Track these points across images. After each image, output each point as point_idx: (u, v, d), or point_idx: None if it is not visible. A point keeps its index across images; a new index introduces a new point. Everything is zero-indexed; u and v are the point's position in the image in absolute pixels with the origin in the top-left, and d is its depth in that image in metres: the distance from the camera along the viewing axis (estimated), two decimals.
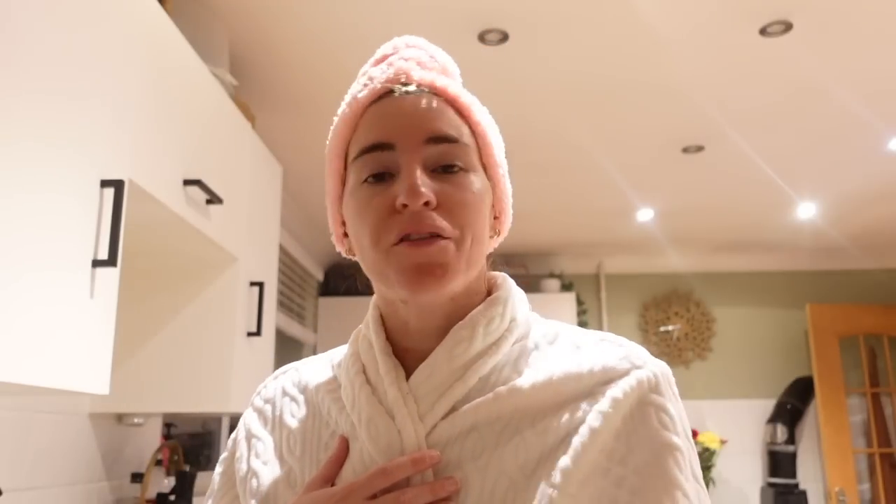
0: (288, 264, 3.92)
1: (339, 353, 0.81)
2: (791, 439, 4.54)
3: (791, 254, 4.94)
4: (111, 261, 1.24)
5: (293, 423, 0.77)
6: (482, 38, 2.25)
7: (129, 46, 1.40)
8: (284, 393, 0.80)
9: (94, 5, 1.28)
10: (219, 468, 0.82)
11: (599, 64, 2.43)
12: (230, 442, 0.82)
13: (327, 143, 0.76)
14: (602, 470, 0.63)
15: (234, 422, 3.36)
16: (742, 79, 2.54)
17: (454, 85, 0.73)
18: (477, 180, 0.71)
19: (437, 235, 0.66)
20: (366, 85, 0.73)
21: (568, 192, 3.72)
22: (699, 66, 2.46)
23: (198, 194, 1.70)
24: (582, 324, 4.89)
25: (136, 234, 1.71)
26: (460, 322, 0.71)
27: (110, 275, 1.29)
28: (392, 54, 0.76)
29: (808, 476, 4.66)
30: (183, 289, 2.01)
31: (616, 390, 0.65)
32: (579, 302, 4.92)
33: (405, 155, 0.68)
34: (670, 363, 4.85)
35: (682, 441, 0.65)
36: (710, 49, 2.34)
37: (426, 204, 0.66)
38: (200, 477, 2.71)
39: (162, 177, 1.52)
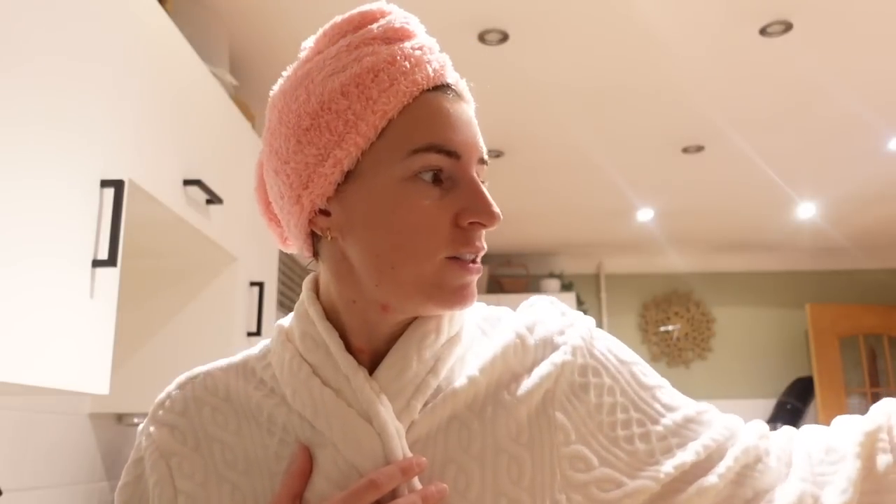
0: (288, 264, 3.92)
1: (250, 356, 0.75)
2: None
3: (791, 254, 4.94)
4: (111, 261, 1.24)
5: (224, 434, 0.69)
6: (482, 38, 2.25)
7: (129, 46, 1.40)
8: (202, 402, 0.71)
9: (95, 5, 1.28)
10: (120, 498, 0.71)
11: (600, 64, 2.43)
12: (130, 466, 0.72)
13: (337, 85, 0.66)
14: (596, 405, 0.69)
15: None
16: (742, 79, 2.54)
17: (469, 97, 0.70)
18: None
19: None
20: (417, 65, 0.66)
21: (568, 192, 3.72)
22: (699, 67, 2.46)
23: (198, 194, 1.70)
24: None
25: (136, 234, 1.71)
26: (422, 317, 0.67)
27: (110, 275, 1.29)
28: (413, 35, 0.70)
29: None
30: (183, 289, 2.01)
31: (574, 339, 0.70)
32: (579, 302, 4.92)
33: (470, 170, 0.65)
34: (670, 363, 4.86)
35: (635, 359, 0.73)
36: (711, 49, 2.34)
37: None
38: None
39: (162, 177, 1.52)
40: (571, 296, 4.62)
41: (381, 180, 0.63)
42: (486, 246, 0.65)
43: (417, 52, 0.67)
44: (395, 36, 0.69)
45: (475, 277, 0.65)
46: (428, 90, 0.65)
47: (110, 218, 1.27)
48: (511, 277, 4.86)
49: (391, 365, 0.66)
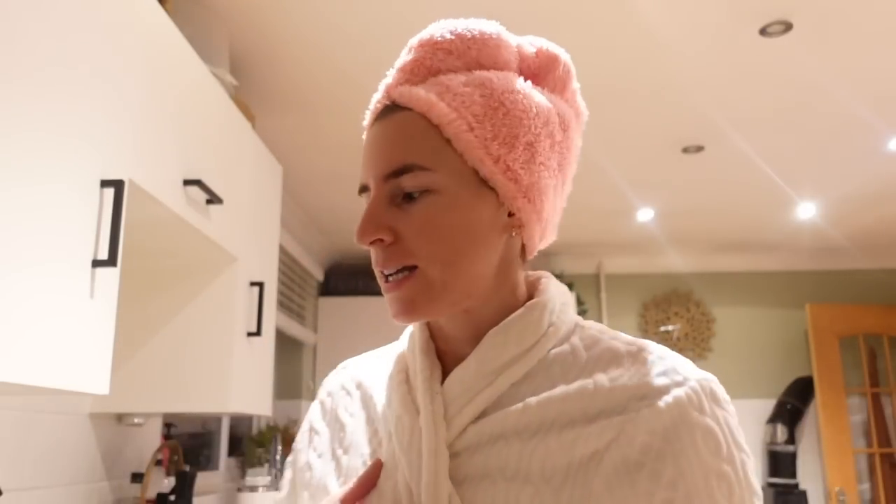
0: (288, 264, 3.92)
1: (393, 348, 0.82)
2: (791, 439, 4.54)
3: (791, 254, 4.94)
4: (111, 261, 1.24)
5: (346, 417, 0.79)
6: None
7: (129, 46, 1.40)
8: (342, 387, 0.82)
9: (94, 5, 1.28)
10: (288, 461, 0.84)
11: (599, 64, 2.43)
12: (298, 435, 0.85)
13: None
14: (646, 493, 0.60)
15: (234, 422, 3.37)
16: (742, 79, 2.54)
17: (422, 92, 0.69)
18: (446, 200, 0.68)
19: (407, 268, 0.68)
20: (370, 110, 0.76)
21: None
22: (699, 66, 2.46)
23: (198, 194, 1.70)
24: None
25: (136, 234, 1.71)
26: (495, 328, 0.70)
27: (110, 275, 1.29)
28: (404, 58, 0.75)
29: (808, 476, 4.66)
30: (183, 289, 2.00)
31: (652, 409, 0.62)
32: (579, 302, 4.92)
33: (373, 192, 0.70)
34: None
35: (732, 467, 0.62)
36: (711, 49, 2.34)
37: (382, 241, 0.68)
38: (200, 477, 2.71)
39: (162, 177, 1.52)
40: (571, 296, 4.62)
41: None
42: (402, 259, 0.68)
43: (384, 80, 0.75)
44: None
45: (401, 295, 0.68)
46: (369, 129, 0.73)
47: (110, 218, 1.27)
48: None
49: (456, 372, 0.70)
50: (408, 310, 0.68)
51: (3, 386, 1.08)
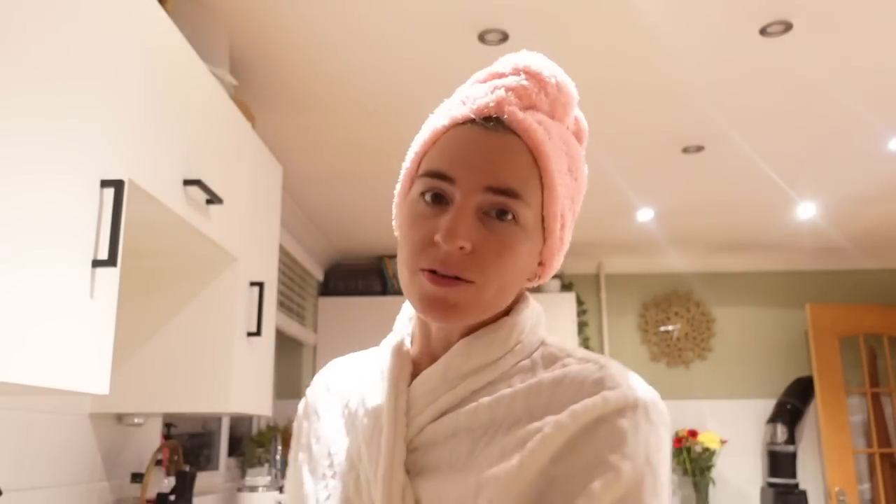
0: (288, 264, 3.92)
1: (379, 348, 0.86)
2: (791, 439, 4.54)
3: (791, 254, 4.94)
4: (111, 261, 1.24)
5: (322, 411, 0.85)
6: (482, 38, 2.25)
7: (128, 46, 1.40)
8: (324, 384, 0.89)
9: (94, 5, 1.28)
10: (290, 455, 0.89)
11: (599, 64, 2.43)
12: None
13: (417, 137, 0.79)
14: (541, 470, 0.67)
15: (234, 422, 3.36)
16: (742, 79, 2.54)
17: (541, 131, 0.73)
18: (524, 234, 0.72)
19: (460, 278, 0.70)
20: (463, 102, 0.76)
21: None
22: (699, 66, 2.46)
23: (198, 194, 1.70)
24: (582, 324, 4.89)
25: (136, 234, 1.71)
26: (465, 338, 0.75)
27: (110, 275, 1.29)
28: (503, 75, 0.77)
29: (808, 476, 4.66)
30: (183, 289, 2.00)
31: (578, 405, 0.68)
32: (579, 302, 4.92)
33: (462, 193, 0.71)
34: (670, 363, 4.86)
35: (626, 464, 0.65)
36: (710, 49, 2.34)
37: (461, 248, 0.70)
38: (200, 477, 2.71)
39: (162, 177, 1.52)
40: (571, 296, 4.62)
41: (407, 200, 0.75)
42: (467, 271, 0.70)
43: (482, 87, 0.76)
44: (493, 72, 0.79)
45: (450, 294, 0.70)
46: (462, 123, 0.74)
47: (110, 218, 1.27)
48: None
49: (424, 374, 0.75)
50: (450, 312, 0.71)
51: (3, 386, 1.08)
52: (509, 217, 0.71)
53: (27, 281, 1.06)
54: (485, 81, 0.78)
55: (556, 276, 4.91)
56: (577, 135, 0.83)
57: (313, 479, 0.80)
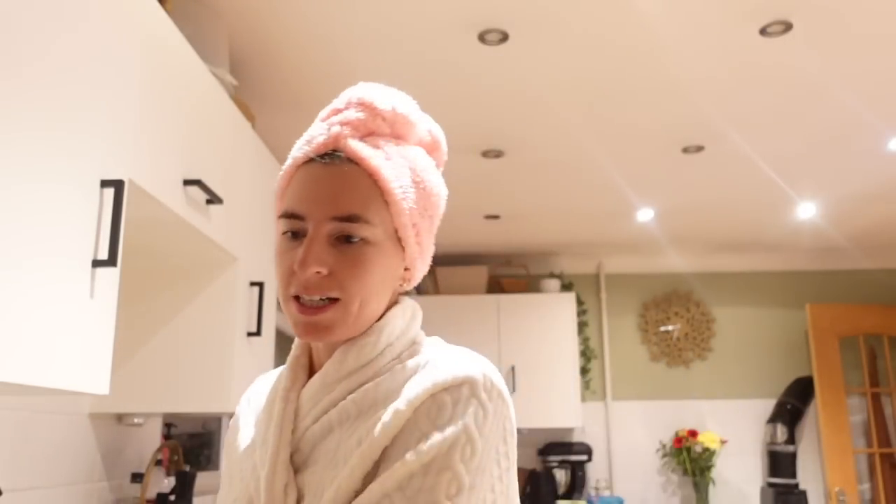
0: None
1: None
2: (791, 439, 4.54)
3: (791, 254, 4.94)
4: (111, 261, 1.24)
5: (242, 423, 0.95)
6: (482, 38, 2.25)
7: (129, 46, 1.40)
8: (247, 398, 0.98)
9: (94, 5, 1.28)
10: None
11: (599, 64, 2.43)
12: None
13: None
14: (384, 451, 0.76)
15: None
16: (742, 79, 2.54)
17: (376, 155, 0.82)
18: (375, 251, 0.81)
19: (328, 298, 0.80)
20: (308, 143, 0.85)
21: (568, 192, 3.72)
22: (699, 66, 2.46)
23: (198, 194, 1.70)
24: (582, 324, 4.89)
25: (136, 234, 1.71)
26: (342, 346, 0.84)
27: (110, 275, 1.29)
28: (340, 111, 0.86)
29: (808, 476, 4.66)
30: (183, 289, 2.01)
31: (411, 389, 0.77)
32: (579, 302, 4.92)
33: (312, 227, 0.80)
34: (670, 363, 4.86)
35: (438, 432, 0.74)
36: (710, 49, 2.34)
37: (318, 272, 0.79)
38: (200, 477, 2.71)
39: (162, 177, 1.52)
40: (571, 296, 4.62)
41: (276, 236, 0.85)
42: (329, 291, 0.79)
43: (320, 127, 0.86)
44: (332, 108, 0.88)
45: (318, 319, 0.80)
46: (306, 163, 0.84)
47: (110, 218, 1.27)
48: (511, 277, 4.86)
49: (310, 382, 0.84)
50: (322, 333, 0.81)
51: (3, 386, 1.08)
52: (356, 239, 0.80)
53: (27, 281, 1.06)
54: (326, 119, 0.87)
55: (556, 276, 4.91)
56: (431, 145, 0.92)
57: (230, 485, 0.90)
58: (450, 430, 0.74)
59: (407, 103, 0.88)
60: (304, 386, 0.86)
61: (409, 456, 0.73)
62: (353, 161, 0.82)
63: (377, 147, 0.84)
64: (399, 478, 0.72)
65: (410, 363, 0.82)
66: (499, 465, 0.77)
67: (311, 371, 0.89)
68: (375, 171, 0.82)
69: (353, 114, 0.85)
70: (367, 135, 0.85)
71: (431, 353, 0.83)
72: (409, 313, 0.89)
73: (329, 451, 0.79)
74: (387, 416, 0.76)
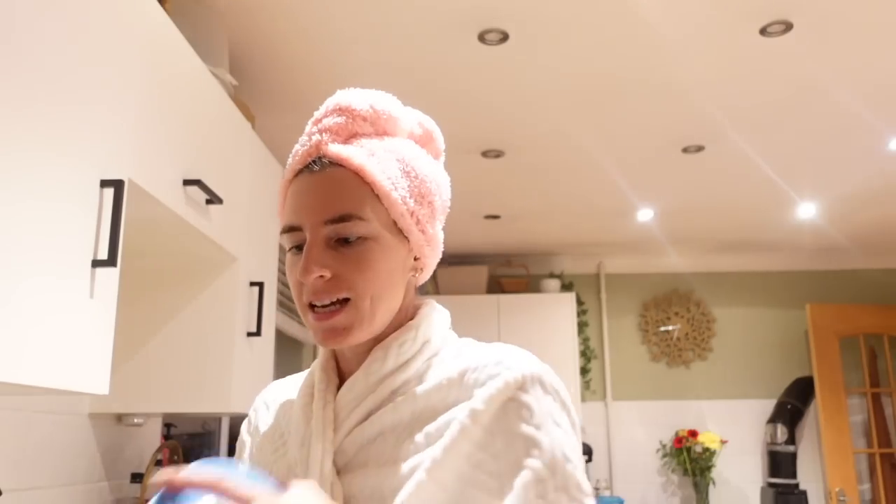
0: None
1: (309, 370, 0.94)
2: (791, 439, 4.54)
3: (791, 254, 4.94)
4: (111, 261, 1.24)
5: (263, 427, 0.94)
6: (482, 38, 2.25)
7: (129, 46, 1.40)
8: (263, 402, 0.98)
9: (94, 5, 1.28)
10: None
11: (599, 64, 2.43)
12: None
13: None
14: (466, 455, 0.75)
15: (234, 422, 3.36)
16: (742, 78, 2.54)
17: (359, 153, 0.84)
18: (377, 245, 0.82)
19: (339, 301, 0.81)
20: (294, 156, 0.87)
21: (568, 192, 3.72)
22: (699, 66, 2.46)
23: (198, 194, 1.70)
24: (582, 324, 4.89)
25: (136, 234, 1.71)
26: (379, 344, 0.85)
27: (110, 275, 1.29)
28: (320, 120, 0.87)
29: (808, 476, 4.66)
30: (183, 289, 2.00)
31: (485, 390, 0.77)
32: (579, 302, 4.92)
33: (309, 235, 0.82)
34: (670, 363, 4.86)
35: (541, 432, 0.75)
36: (711, 49, 2.34)
37: (321, 276, 0.80)
38: None
39: (162, 177, 1.52)
40: (571, 296, 4.62)
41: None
42: (339, 293, 0.80)
43: (303, 137, 0.87)
44: (317, 117, 0.88)
45: (335, 322, 0.81)
46: (295, 175, 0.85)
47: (110, 218, 1.27)
48: (511, 277, 4.86)
49: (346, 384, 0.84)
50: (341, 336, 0.81)
51: (3, 386, 1.08)
52: (354, 238, 0.81)
53: (27, 281, 1.06)
54: (310, 129, 0.88)
55: (556, 276, 4.91)
56: (424, 137, 0.93)
57: None
58: (549, 428, 0.75)
59: (385, 100, 0.89)
60: (338, 389, 0.86)
61: (526, 459, 0.73)
62: (337, 164, 0.83)
63: (360, 146, 0.85)
64: (530, 484, 0.73)
65: (455, 362, 0.82)
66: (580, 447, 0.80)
67: (340, 376, 0.89)
68: (360, 168, 0.83)
69: (332, 120, 0.86)
70: (350, 137, 0.86)
71: (476, 351, 0.83)
72: (440, 312, 0.91)
73: (382, 453, 0.79)
74: (463, 415, 0.76)
